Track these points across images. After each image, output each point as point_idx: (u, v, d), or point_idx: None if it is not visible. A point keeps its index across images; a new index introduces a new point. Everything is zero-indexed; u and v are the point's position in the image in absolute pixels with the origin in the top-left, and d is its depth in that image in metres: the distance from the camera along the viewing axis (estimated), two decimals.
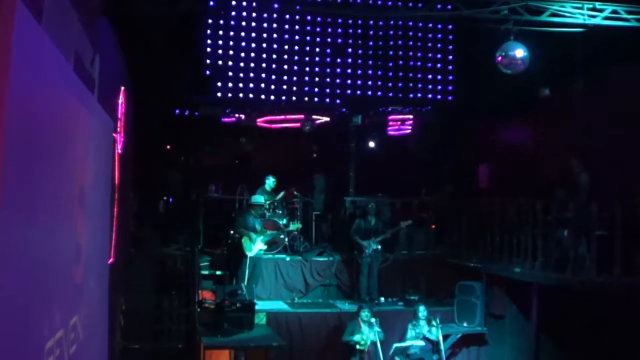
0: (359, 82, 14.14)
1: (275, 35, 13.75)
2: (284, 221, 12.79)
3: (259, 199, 12.08)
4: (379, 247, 12.35)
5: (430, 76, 14.41)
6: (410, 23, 14.10)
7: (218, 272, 12.26)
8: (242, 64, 13.59)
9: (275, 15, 13.68)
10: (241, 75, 13.60)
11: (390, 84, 14.28)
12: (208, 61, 13.48)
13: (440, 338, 10.71)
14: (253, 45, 13.64)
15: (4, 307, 3.04)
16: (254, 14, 13.62)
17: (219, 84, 13.51)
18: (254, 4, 13.56)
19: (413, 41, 14.41)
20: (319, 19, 13.85)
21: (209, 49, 13.45)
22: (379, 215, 12.95)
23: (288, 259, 12.71)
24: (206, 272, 12.23)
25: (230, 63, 13.55)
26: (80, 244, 5.34)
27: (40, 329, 3.85)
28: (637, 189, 9.84)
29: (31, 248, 3.57)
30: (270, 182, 13.18)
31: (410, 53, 14.38)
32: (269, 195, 13.11)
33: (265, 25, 13.71)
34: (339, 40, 14.06)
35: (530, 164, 13.41)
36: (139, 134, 12.07)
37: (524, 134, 14.06)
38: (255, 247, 11.61)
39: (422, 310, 10.88)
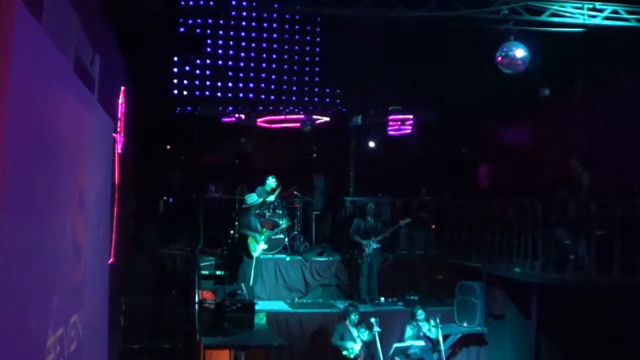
0: (358, 82, 14.13)
1: (275, 35, 13.76)
2: (284, 221, 12.79)
3: (251, 198, 12.05)
4: (379, 246, 12.35)
5: (430, 76, 14.37)
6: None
7: (218, 272, 12.27)
8: (242, 64, 13.59)
9: (275, 15, 13.69)
10: (241, 75, 13.61)
11: (390, 84, 14.26)
12: (208, 61, 13.50)
13: (440, 338, 10.71)
14: (253, 44, 13.65)
15: (6, 305, 3.05)
16: (254, 14, 13.63)
17: (219, 84, 13.53)
18: (254, 3, 13.58)
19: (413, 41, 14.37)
20: (318, 19, 13.85)
21: (208, 49, 13.46)
22: (377, 215, 12.95)
23: (288, 259, 12.71)
24: (206, 272, 12.23)
25: (230, 63, 13.56)
26: (80, 244, 5.34)
27: (41, 327, 3.87)
28: (637, 189, 9.85)
29: (31, 248, 3.58)
30: (270, 182, 13.18)
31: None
32: (268, 195, 13.13)
33: (265, 24, 13.72)
34: (339, 40, 14.04)
35: (530, 164, 13.41)
36: (139, 134, 12.07)
37: (524, 134, 14.06)
38: (259, 247, 11.64)
39: (420, 314, 10.86)
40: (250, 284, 11.27)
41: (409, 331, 10.85)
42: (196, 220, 13.30)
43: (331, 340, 10.45)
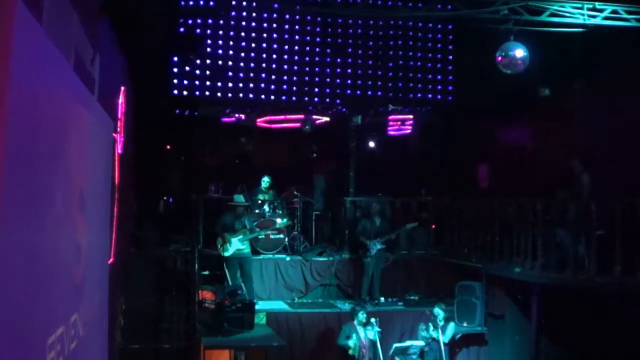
0: (359, 82, 14.14)
1: (275, 35, 13.76)
2: (283, 220, 12.78)
3: (239, 198, 12.04)
4: (384, 247, 12.37)
5: (430, 76, 14.41)
6: (411, 23, 14.10)
7: (218, 272, 12.27)
8: (242, 64, 13.60)
9: (275, 15, 13.69)
10: (241, 75, 13.62)
11: (390, 84, 14.28)
12: (208, 61, 13.50)
13: (441, 338, 10.70)
14: (253, 45, 13.65)
15: (7, 304, 3.06)
16: (254, 14, 13.64)
17: (219, 84, 13.53)
18: (254, 3, 13.58)
19: (413, 41, 14.41)
20: (319, 19, 13.85)
21: (209, 49, 13.47)
22: (383, 215, 12.96)
23: (288, 259, 12.71)
24: (206, 272, 12.23)
25: (230, 63, 13.57)
26: (80, 244, 5.34)
27: (42, 325, 3.89)
28: (637, 189, 9.84)
29: (32, 248, 3.58)
30: (265, 181, 13.25)
31: (410, 53, 14.38)
32: (266, 195, 13.16)
33: (265, 25, 13.72)
34: (339, 40, 14.07)
35: (530, 164, 13.40)
36: (139, 134, 12.07)
37: (524, 134, 14.05)
38: (232, 247, 11.54)
39: (440, 313, 10.78)
40: (230, 283, 11.26)
41: (422, 332, 10.73)
42: (196, 220, 13.29)
43: (337, 341, 10.46)
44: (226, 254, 11.52)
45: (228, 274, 11.55)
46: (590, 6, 9.88)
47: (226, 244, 11.49)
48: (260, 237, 12.32)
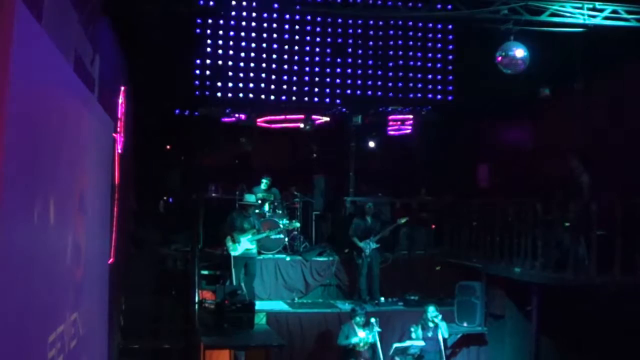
0: (359, 82, 14.14)
1: (275, 35, 13.76)
2: (285, 221, 12.78)
3: (250, 198, 12.04)
4: (378, 246, 12.34)
5: (430, 76, 14.41)
6: (410, 23, 14.10)
7: (218, 272, 12.27)
8: (242, 64, 13.60)
9: (275, 15, 13.69)
10: (241, 75, 13.62)
11: (390, 84, 14.28)
12: (208, 61, 13.50)
13: (441, 338, 10.69)
14: (253, 45, 13.65)
15: (8, 302, 3.07)
16: (254, 14, 13.64)
17: (219, 84, 13.54)
18: (254, 3, 13.58)
19: (413, 41, 14.42)
20: (319, 19, 13.85)
21: (208, 49, 13.48)
22: (376, 214, 12.94)
23: (288, 259, 12.71)
24: (206, 272, 12.23)
25: (230, 63, 13.57)
26: (80, 244, 5.34)
27: (42, 323, 3.90)
28: (637, 189, 9.85)
29: (32, 247, 3.58)
30: (263, 183, 13.26)
31: (410, 53, 14.38)
32: (264, 195, 13.16)
33: (265, 25, 13.72)
34: (339, 40, 14.07)
35: (530, 164, 13.41)
36: (139, 134, 12.07)
37: (524, 134, 14.05)
38: (241, 246, 11.53)
39: (431, 311, 10.74)
40: (234, 283, 11.26)
41: (415, 333, 10.69)
42: (196, 220, 13.29)
43: (337, 341, 10.43)
44: (234, 254, 11.51)
45: (234, 273, 11.52)
46: (590, 6, 9.88)
47: (235, 243, 11.47)
48: (277, 237, 12.37)
